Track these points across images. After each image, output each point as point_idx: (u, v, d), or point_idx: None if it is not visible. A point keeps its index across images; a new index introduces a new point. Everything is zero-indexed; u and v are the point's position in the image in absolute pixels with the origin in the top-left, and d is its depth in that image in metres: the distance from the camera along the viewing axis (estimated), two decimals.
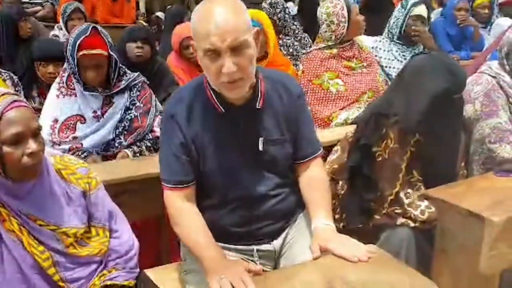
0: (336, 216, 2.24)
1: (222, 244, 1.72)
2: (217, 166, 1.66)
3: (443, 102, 2.00)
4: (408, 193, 2.07)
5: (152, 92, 2.67)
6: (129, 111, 2.53)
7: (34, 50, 3.03)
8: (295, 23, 3.99)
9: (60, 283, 1.58)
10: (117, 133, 2.49)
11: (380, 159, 2.05)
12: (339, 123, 2.93)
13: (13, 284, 1.52)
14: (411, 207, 2.04)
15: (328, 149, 2.50)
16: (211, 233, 1.66)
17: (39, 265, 1.54)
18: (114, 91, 2.49)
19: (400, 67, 2.95)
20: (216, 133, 1.65)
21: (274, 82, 1.71)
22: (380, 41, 3.60)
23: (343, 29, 3.05)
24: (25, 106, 1.49)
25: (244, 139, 1.66)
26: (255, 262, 1.74)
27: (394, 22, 3.54)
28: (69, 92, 2.47)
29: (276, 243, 1.76)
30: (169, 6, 6.10)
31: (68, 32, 4.07)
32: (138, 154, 2.50)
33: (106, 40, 2.41)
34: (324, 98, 3.02)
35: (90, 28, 2.40)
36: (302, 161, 1.77)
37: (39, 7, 5.97)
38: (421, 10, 3.51)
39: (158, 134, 2.46)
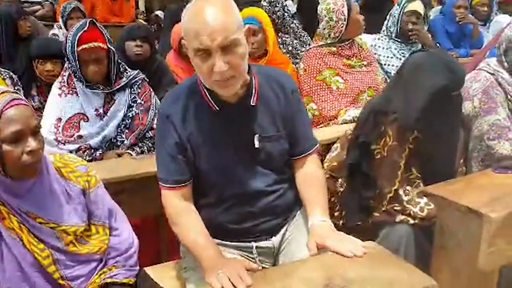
0: (336, 214, 2.25)
1: (221, 241, 1.73)
2: (213, 164, 1.67)
3: (441, 99, 2.00)
4: (407, 190, 2.07)
5: (151, 90, 2.67)
6: (131, 109, 2.53)
7: (32, 48, 3.04)
8: (294, 21, 3.98)
9: (60, 281, 1.58)
10: (118, 131, 2.50)
11: (378, 156, 2.06)
12: (346, 119, 2.90)
13: (13, 282, 1.53)
14: (410, 204, 2.05)
15: (328, 146, 2.51)
16: (210, 230, 1.67)
17: (39, 263, 1.55)
18: (115, 88, 2.50)
19: (398, 64, 2.95)
20: (211, 132, 1.65)
21: (268, 79, 1.71)
22: (379, 39, 3.61)
23: (341, 27, 3.04)
24: (25, 104, 1.50)
25: (240, 137, 1.66)
26: (254, 259, 1.75)
27: (391, 20, 3.56)
28: (70, 91, 2.47)
29: (275, 239, 1.76)
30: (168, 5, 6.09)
31: (68, 31, 4.07)
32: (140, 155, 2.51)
33: (104, 34, 2.42)
34: (329, 95, 3.01)
35: (87, 23, 2.41)
36: (298, 157, 1.77)
37: (38, 6, 5.96)
38: (416, 5, 3.52)
39: None
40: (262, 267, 1.74)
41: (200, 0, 1.52)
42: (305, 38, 3.90)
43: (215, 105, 1.63)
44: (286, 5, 3.88)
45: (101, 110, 2.48)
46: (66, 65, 2.50)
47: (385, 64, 3.49)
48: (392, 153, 2.04)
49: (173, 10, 4.83)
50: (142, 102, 2.56)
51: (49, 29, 4.67)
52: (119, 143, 2.50)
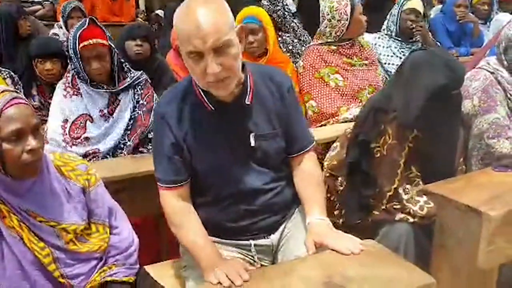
0: (335, 212, 2.25)
1: (220, 240, 1.74)
2: (210, 164, 1.67)
3: (441, 98, 2.00)
4: (407, 188, 2.07)
5: (153, 91, 2.68)
6: (134, 109, 2.54)
7: (32, 47, 3.04)
8: (295, 20, 3.98)
9: (60, 279, 1.59)
10: (123, 133, 2.50)
11: (378, 155, 2.06)
12: (348, 118, 2.90)
13: (13, 281, 1.53)
14: (410, 203, 2.05)
15: (328, 145, 2.51)
16: (208, 229, 1.68)
17: (39, 261, 1.55)
18: (120, 88, 2.50)
19: (398, 63, 2.94)
20: (207, 131, 1.65)
21: (263, 77, 1.71)
22: (379, 38, 3.61)
23: (343, 26, 3.03)
24: (25, 103, 1.50)
25: (236, 136, 1.66)
26: (252, 257, 1.75)
27: (391, 19, 3.57)
28: (75, 92, 2.48)
29: (273, 237, 1.77)
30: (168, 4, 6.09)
31: (68, 31, 4.07)
32: None
33: (104, 31, 2.43)
34: (328, 92, 3.01)
35: (87, 21, 2.42)
36: (295, 154, 1.78)
37: (38, 6, 5.95)
38: (414, 3, 3.52)
39: None
40: (261, 265, 1.75)
41: (191, 1, 1.51)
42: (306, 37, 3.90)
43: (210, 105, 1.63)
44: (286, 4, 3.88)
45: (105, 111, 2.48)
46: (69, 66, 2.51)
47: (385, 63, 3.49)
48: (391, 152, 2.04)
49: (173, 9, 4.79)
50: (145, 103, 2.56)
51: (50, 28, 4.66)
52: (122, 145, 2.50)
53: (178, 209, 1.68)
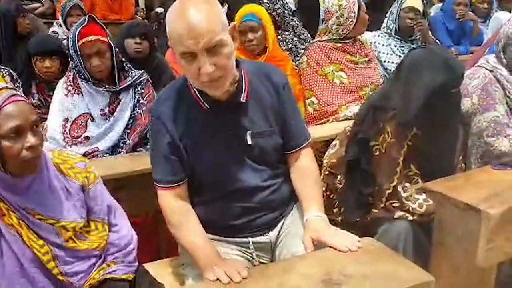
0: (335, 210, 2.26)
1: (218, 237, 1.74)
2: (207, 162, 1.67)
3: (440, 96, 2.00)
4: (406, 187, 2.07)
5: (154, 90, 2.68)
6: (135, 108, 2.54)
7: (31, 45, 3.04)
8: (294, 18, 3.98)
9: (59, 277, 1.58)
10: (122, 132, 2.50)
11: (377, 153, 2.06)
12: (348, 115, 2.90)
13: (12, 278, 1.53)
14: (409, 201, 2.05)
15: (328, 143, 2.51)
16: (206, 227, 1.69)
17: (38, 259, 1.55)
18: (121, 87, 2.50)
19: (398, 61, 2.95)
20: (203, 130, 1.65)
21: (258, 74, 1.71)
22: (378, 36, 3.61)
23: (351, 24, 3.03)
24: (23, 100, 1.50)
25: (232, 134, 1.66)
26: (251, 254, 1.76)
27: (390, 18, 3.58)
28: (76, 91, 2.48)
29: (272, 234, 1.77)
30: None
31: (68, 29, 4.07)
32: None
33: (104, 28, 2.43)
34: (331, 90, 3.00)
35: (86, 19, 2.42)
36: (292, 151, 1.78)
37: (38, 4, 5.94)
38: (413, 1, 3.52)
39: None
40: (260, 263, 1.76)
41: (183, 1, 1.50)
42: (305, 36, 3.89)
43: (206, 104, 1.63)
44: (286, 3, 3.87)
45: (106, 110, 2.48)
46: (70, 65, 2.51)
47: (384, 61, 3.49)
48: (390, 150, 2.04)
49: None
50: (145, 102, 2.56)
51: (49, 26, 4.66)
52: (121, 144, 2.50)
53: (176, 209, 1.68)
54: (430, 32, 3.93)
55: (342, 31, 3.06)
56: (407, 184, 2.08)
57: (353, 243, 1.58)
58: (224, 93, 1.61)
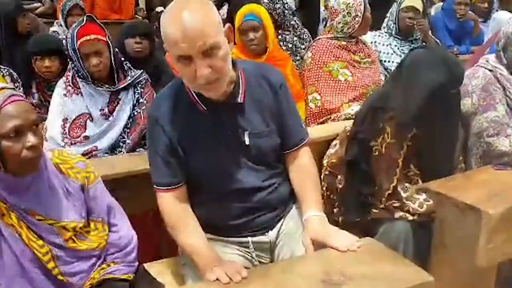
0: (335, 210, 2.26)
1: (218, 237, 1.74)
2: (206, 164, 1.67)
3: (440, 96, 2.00)
4: (406, 187, 2.07)
5: (153, 90, 2.67)
6: (134, 108, 2.54)
7: (30, 45, 3.03)
8: (294, 18, 3.98)
9: (59, 277, 1.58)
10: (122, 131, 2.50)
11: (377, 153, 2.06)
12: (350, 113, 2.88)
13: (12, 278, 1.53)
14: (409, 201, 2.05)
15: (329, 143, 2.50)
16: (206, 227, 1.69)
17: (38, 259, 1.55)
18: (120, 86, 2.49)
19: (398, 61, 2.94)
20: (201, 132, 1.65)
21: (255, 74, 1.70)
22: (379, 35, 3.61)
23: (356, 23, 3.02)
24: (23, 100, 1.50)
25: (230, 135, 1.66)
26: (251, 254, 1.75)
27: (390, 17, 3.58)
28: (76, 91, 2.47)
29: (271, 234, 1.77)
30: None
31: (68, 29, 4.06)
32: None
33: (102, 28, 2.43)
34: (334, 87, 2.99)
35: (85, 19, 2.42)
36: (290, 150, 1.78)
37: (38, 4, 5.94)
38: (413, 1, 3.52)
39: None
40: (259, 262, 1.75)
41: (177, 4, 1.50)
42: (305, 36, 3.88)
43: (203, 105, 1.63)
44: (286, 2, 3.87)
45: (106, 110, 2.47)
46: (69, 65, 2.50)
47: (385, 61, 3.49)
48: (390, 150, 2.04)
49: None
50: (145, 102, 2.56)
51: (49, 26, 4.65)
52: (121, 144, 2.50)
53: (175, 212, 1.68)
54: (430, 32, 3.93)
55: (348, 30, 3.05)
56: (407, 184, 2.08)
57: (353, 243, 1.58)
58: (221, 94, 1.60)
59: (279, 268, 1.56)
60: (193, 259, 1.61)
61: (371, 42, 3.50)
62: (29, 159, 1.48)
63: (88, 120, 2.45)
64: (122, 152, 2.47)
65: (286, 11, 3.77)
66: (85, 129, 2.44)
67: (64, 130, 2.43)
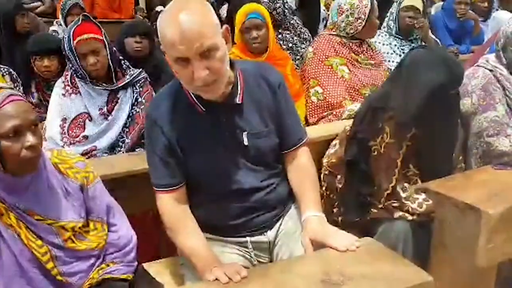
0: (335, 210, 2.25)
1: (216, 237, 1.74)
2: (205, 164, 1.67)
3: (440, 96, 2.00)
4: (405, 187, 2.07)
5: (152, 89, 2.67)
6: (133, 107, 2.53)
7: (29, 44, 3.03)
8: (294, 17, 3.97)
9: (58, 277, 1.58)
10: (121, 131, 2.50)
11: (376, 153, 2.05)
12: (353, 109, 2.84)
13: (11, 278, 1.53)
14: (409, 201, 2.05)
15: (330, 142, 2.50)
16: (205, 227, 1.69)
17: (37, 259, 1.55)
18: (119, 85, 2.49)
19: (398, 61, 2.94)
20: (199, 133, 1.64)
21: (253, 74, 1.70)
22: (379, 35, 3.60)
23: (359, 25, 3.01)
24: (22, 99, 1.50)
25: (229, 135, 1.66)
26: (250, 254, 1.75)
27: (390, 17, 3.57)
28: (74, 91, 2.47)
29: (270, 233, 1.77)
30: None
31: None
32: None
33: (99, 27, 2.42)
34: (335, 81, 2.98)
35: (81, 18, 2.42)
36: (288, 150, 1.78)
37: (38, 3, 5.94)
38: (412, 0, 3.51)
39: None
40: (258, 262, 1.75)
41: (174, 6, 1.50)
42: (305, 35, 3.88)
43: (201, 106, 1.63)
44: (286, 2, 3.87)
45: (104, 109, 2.47)
46: (68, 65, 2.50)
47: (385, 60, 3.48)
48: (389, 150, 2.03)
49: None
50: (144, 101, 2.56)
51: (49, 25, 4.65)
52: (120, 143, 2.50)
53: (175, 214, 1.68)
54: (430, 31, 3.92)
55: (350, 30, 3.04)
56: (406, 184, 2.08)
57: (352, 243, 1.58)
58: (219, 95, 1.60)
59: (278, 268, 1.56)
60: (192, 261, 1.61)
61: (372, 42, 3.49)
62: (28, 159, 1.48)
63: (87, 120, 2.45)
64: (121, 152, 2.47)
65: (286, 11, 3.77)
66: (84, 128, 2.44)
67: (63, 130, 2.43)
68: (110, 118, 2.47)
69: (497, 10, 4.99)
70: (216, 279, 1.47)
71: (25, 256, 1.54)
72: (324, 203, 2.28)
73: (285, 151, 1.78)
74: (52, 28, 4.41)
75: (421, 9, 3.53)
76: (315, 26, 4.88)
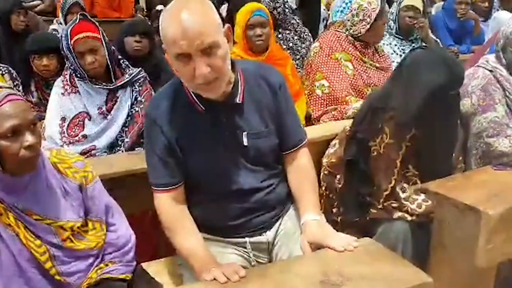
0: (334, 210, 2.25)
1: (215, 237, 1.74)
2: (204, 164, 1.66)
3: (440, 97, 2.00)
4: (404, 187, 2.07)
5: (152, 88, 2.67)
6: (132, 106, 2.53)
7: (28, 43, 3.02)
8: (295, 17, 3.97)
9: (57, 277, 1.58)
10: (120, 130, 2.49)
11: (375, 153, 2.05)
12: (357, 107, 2.84)
13: (9, 278, 1.52)
14: (408, 201, 2.04)
15: (329, 142, 2.50)
16: (203, 227, 1.68)
17: (36, 259, 1.55)
18: (118, 84, 2.49)
19: (399, 61, 2.94)
20: (199, 132, 1.64)
21: (254, 75, 1.70)
22: None
23: (363, 28, 2.98)
24: (20, 99, 1.49)
25: (228, 135, 1.65)
26: (249, 255, 1.75)
27: (390, 17, 3.57)
28: (73, 90, 2.47)
29: (269, 234, 1.76)
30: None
31: None
32: None
33: (96, 26, 2.42)
34: (342, 75, 2.97)
35: (78, 17, 2.42)
36: (288, 151, 1.77)
37: (38, 1, 5.94)
38: (412, 0, 3.51)
39: None
40: (257, 262, 1.75)
41: (176, 4, 1.50)
42: (306, 35, 3.89)
43: (201, 105, 1.62)
44: (287, 1, 3.87)
45: (104, 108, 2.47)
46: (66, 65, 2.50)
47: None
48: (388, 151, 2.03)
49: None
50: (143, 100, 2.55)
51: (49, 24, 4.65)
52: (119, 142, 2.50)
53: (173, 213, 1.67)
54: (430, 31, 3.92)
55: (354, 31, 3.02)
56: (405, 185, 2.08)
57: (350, 243, 1.57)
58: (220, 94, 1.59)
59: (277, 268, 1.55)
60: (189, 262, 1.60)
61: None
62: (27, 159, 1.48)
63: (86, 119, 2.44)
64: (120, 151, 2.47)
65: (286, 10, 3.77)
66: (83, 128, 2.44)
67: (62, 129, 2.43)
68: (109, 117, 2.46)
69: (497, 10, 4.98)
70: (215, 279, 1.47)
71: (24, 256, 1.53)
72: (324, 203, 2.28)
73: (285, 152, 1.78)
74: (52, 26, 4.42)
75: (421, 9, 3.53)
76: (315, 26, 4.89)
